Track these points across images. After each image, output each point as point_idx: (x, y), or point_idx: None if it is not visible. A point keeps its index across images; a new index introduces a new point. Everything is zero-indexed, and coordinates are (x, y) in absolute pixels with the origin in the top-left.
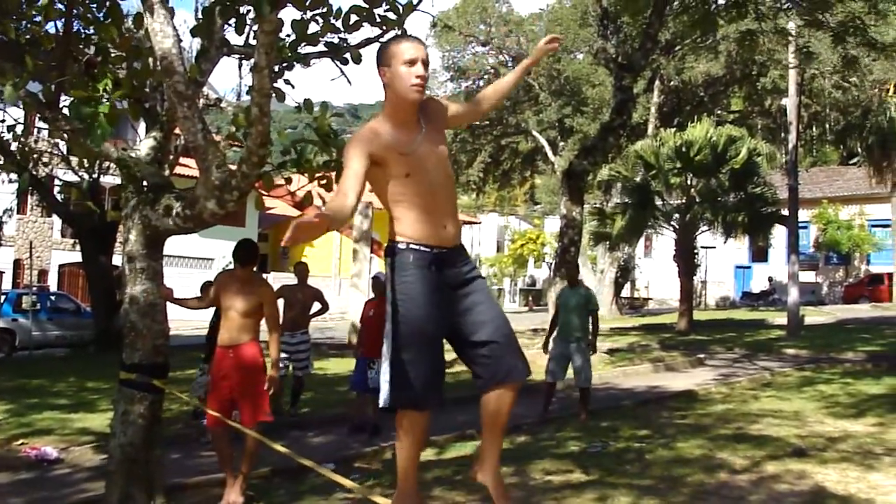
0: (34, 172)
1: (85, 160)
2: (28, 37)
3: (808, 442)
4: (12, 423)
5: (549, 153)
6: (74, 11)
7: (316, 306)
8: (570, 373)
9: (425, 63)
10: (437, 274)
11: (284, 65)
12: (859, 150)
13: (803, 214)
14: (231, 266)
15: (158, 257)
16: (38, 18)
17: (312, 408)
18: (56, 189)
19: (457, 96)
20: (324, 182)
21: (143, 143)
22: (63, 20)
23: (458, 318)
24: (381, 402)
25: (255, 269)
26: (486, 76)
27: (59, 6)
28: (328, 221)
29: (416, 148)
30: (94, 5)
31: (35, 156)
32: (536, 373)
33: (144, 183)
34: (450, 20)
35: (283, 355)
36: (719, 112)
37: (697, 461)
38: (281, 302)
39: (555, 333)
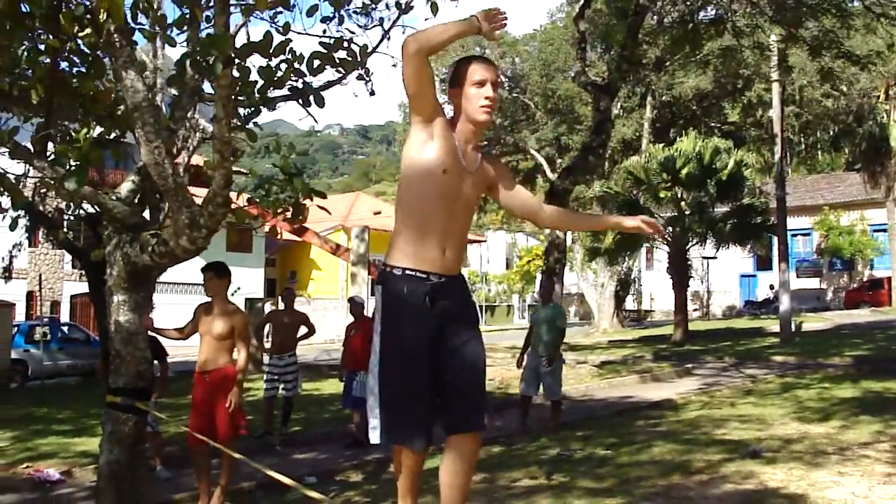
0: (40, 208)
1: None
2: (16, 92)
3: (766, 444)
4: (18, 448)
5: (547, 171)
6: (60, 65)
7: (303, 330)
8: None
9: (495, 84)
10: (430, 308)
11: (252, 110)
12: (854, 156)
13: (805, 221)
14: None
15: (139, 290)
16: (29, 73)
17: (303, 426)
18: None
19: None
20: (288, 216)
21: (123, 186)
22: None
23: (441, 356)
24: (373, 439)
25: (228, 284)
26: None
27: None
28: None
29: (464, 163)
30: (78, 59)
31: (43, 191)
32: (512, 387)
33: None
34: None
35: (271, 377)
36: (713, 125)
37: (656, 465)
38: (269, 326)
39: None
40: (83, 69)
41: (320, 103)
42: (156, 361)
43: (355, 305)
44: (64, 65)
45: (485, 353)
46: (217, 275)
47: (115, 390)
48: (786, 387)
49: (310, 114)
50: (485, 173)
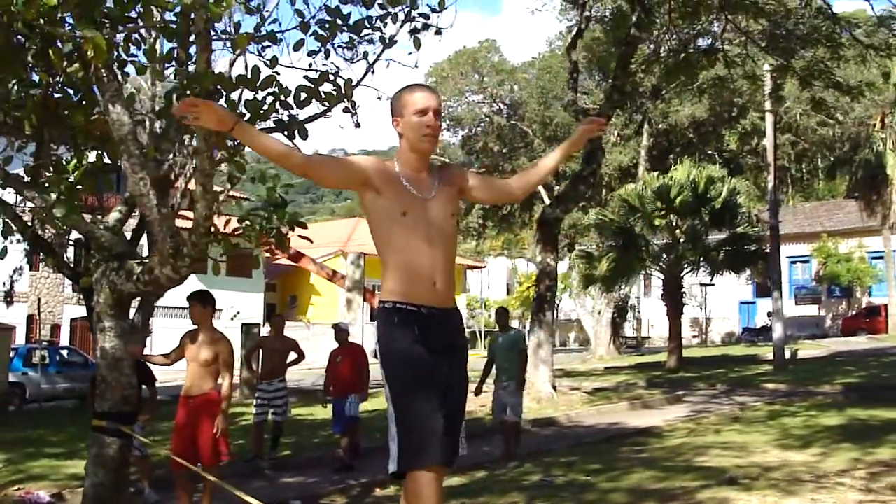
0: (39, 232)
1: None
2: (10, 121)
3: (745, 471)
4: (9, 470)
5: (545, 197)
6: (53, 95)
7: (292, 356)
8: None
9: (437, 112)
10: (420, 336)
11: (238, 142)
12: (851, 184)
13: (804, 248)
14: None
15: (125, 317)
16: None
17: (293, 451)
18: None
19: (483, 173)
20: (270, 245)
21: (111, 215)
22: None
23: None
24: (392, 467)
25: (213, 312)
26: (481, 124)
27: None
28: (223, 116)
29: (421, 194)
30: (71, 90)
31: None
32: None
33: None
34: (444, 71)
35: (260, 402)
36: (711, 152)
37: (633, 491)
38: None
39: (492, 378)
40: (74, 101)
41: (304, 136)
42: (144, 387)
43: (340, 332)
44: (57, 96)
45: (468, 390)
46: (201, 303)
47: (101, 414)
48: (772, 414)
49: (295, 146)
50: (448, 189)
